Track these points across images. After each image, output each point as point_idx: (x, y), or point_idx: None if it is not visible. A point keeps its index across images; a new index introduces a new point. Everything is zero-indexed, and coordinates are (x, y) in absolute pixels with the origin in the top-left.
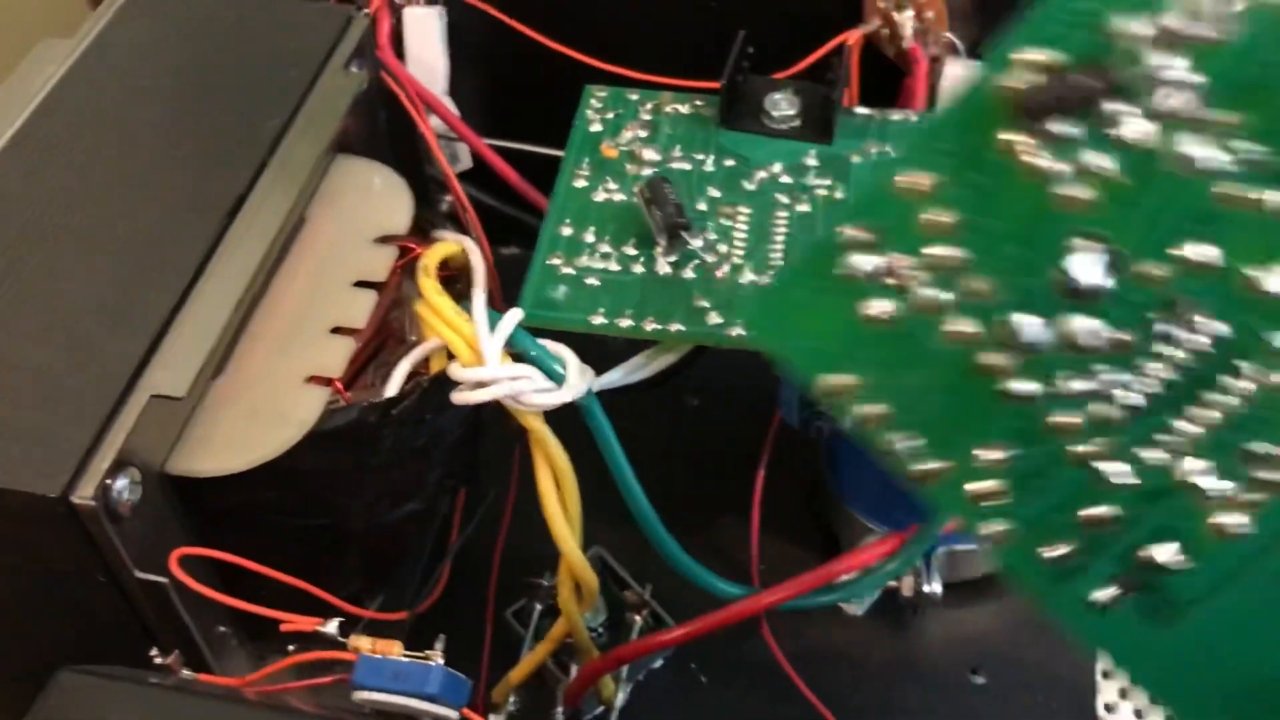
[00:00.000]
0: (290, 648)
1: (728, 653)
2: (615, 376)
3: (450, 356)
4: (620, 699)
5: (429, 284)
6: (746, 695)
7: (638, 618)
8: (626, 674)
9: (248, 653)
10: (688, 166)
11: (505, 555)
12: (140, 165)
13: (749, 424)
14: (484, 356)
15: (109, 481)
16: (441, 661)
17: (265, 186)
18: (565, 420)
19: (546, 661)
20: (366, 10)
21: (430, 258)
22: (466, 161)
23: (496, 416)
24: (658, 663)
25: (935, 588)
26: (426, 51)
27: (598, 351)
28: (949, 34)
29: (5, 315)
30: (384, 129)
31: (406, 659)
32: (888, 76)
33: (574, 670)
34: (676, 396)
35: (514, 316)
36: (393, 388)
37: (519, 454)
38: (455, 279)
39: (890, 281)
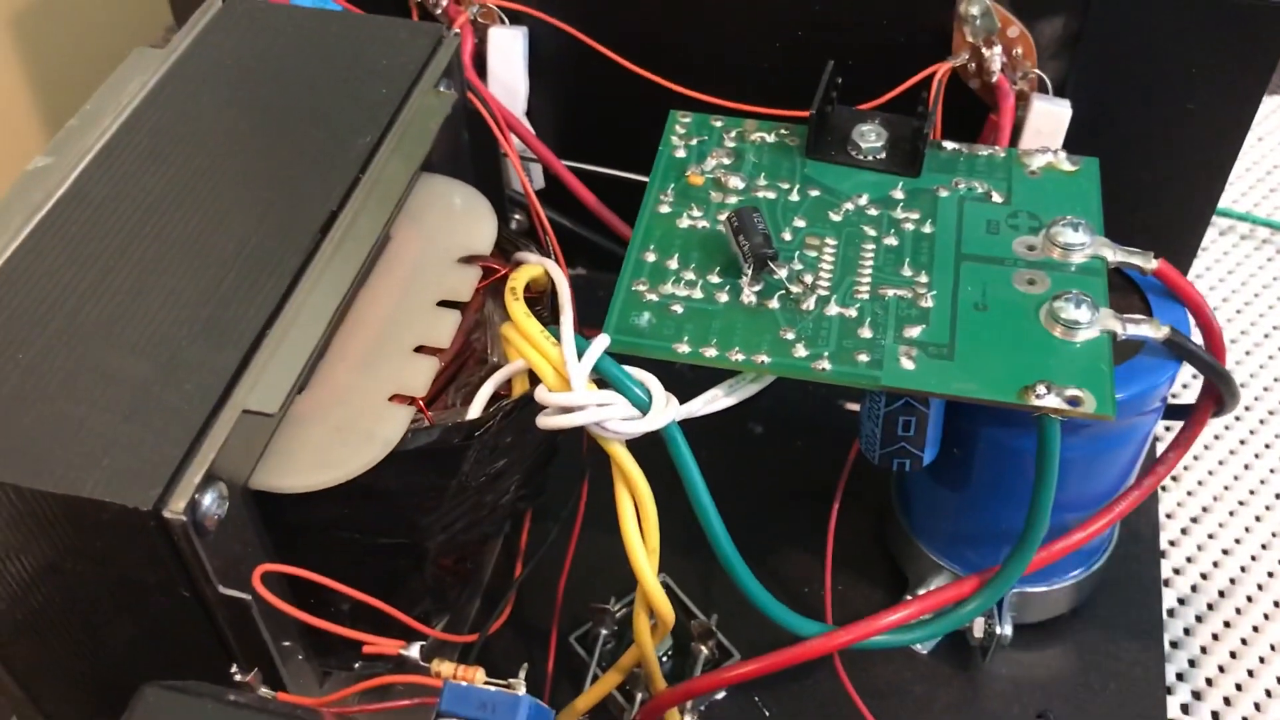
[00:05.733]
0: (357, 665)
1: (792, 686)
2: (697, 405)
3: (534, 380)
4: None
5: (518, 307)
6: None
7: (704, 648)
8: (690, 705)
9: (313, 668)
10: (772, 196)
11: (570, 578)
12: (232, 178)
13: (814, 454)
14: (571, 382)
15: (198, 496)
16: (525, 690)
17: (357, 204)
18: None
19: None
20: (455, 29)
21: (517, 280)
22: (539, 181)
23: (571, 439)
24: (721, 694)
25: (1006, 630)
26: (508, 71)
27: (665, 375)
28: (1037, 70)
29: (99, 326)
30: (466, 148)
31: (492, 687)
32: (971, 110)
33: (639, 699)
34: (740, 423)
35: (601, 343)
36: (476, 409)
37: (590, 477)
38: (536, 301)
39: None
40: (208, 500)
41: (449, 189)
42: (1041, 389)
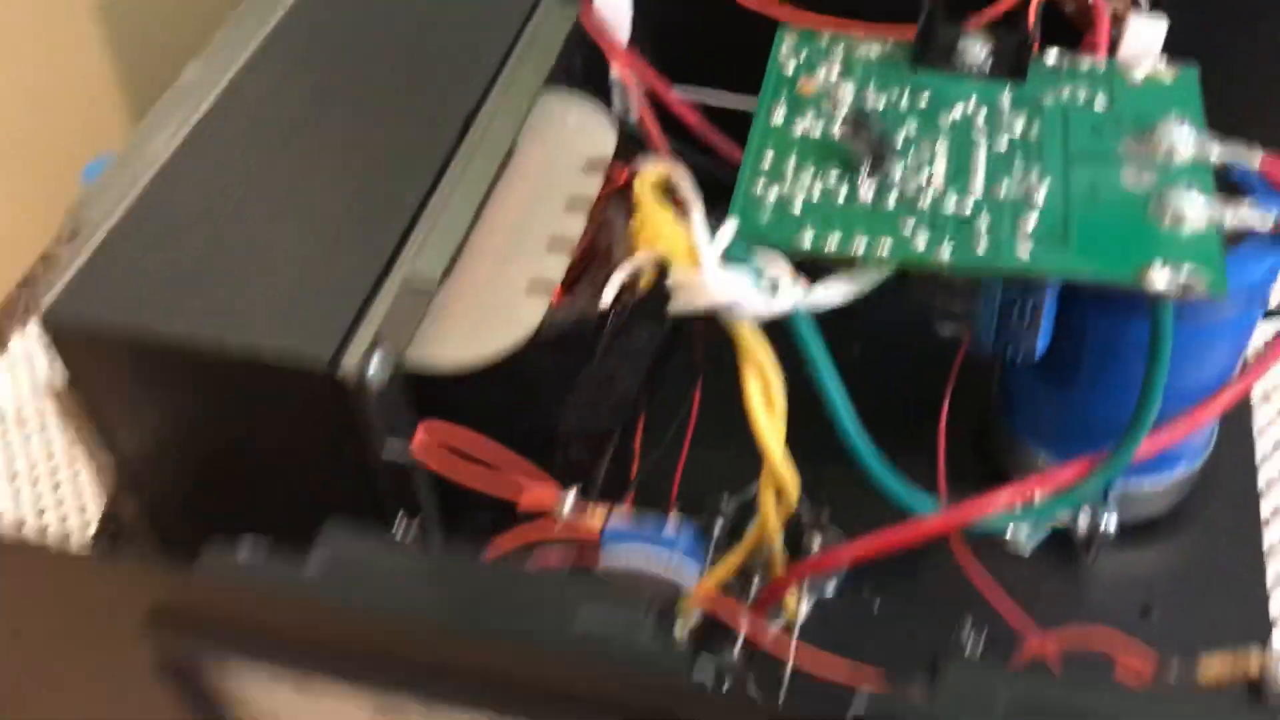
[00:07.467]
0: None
1: (900, 581)
2: (822, 292)
3: (661, 273)
4: (801, 616)
5: (649, 195)
6: (921, 624)
7: (816, 540)
8: (806, 592)
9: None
10: (882, 105)
11: (682, 483)
12: (374, 82)
13: (913, 378)
14: (703, 264)
15: (366, 359)
16: None
17: (492, 107)
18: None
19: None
20: None
21: (647, 175)
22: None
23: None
24: (830, 589)
25: (1110, 525)
26: None
27: None
28: None
29: (265, 211)
30: (579, 69)
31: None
32: (1065, 34)
33: (755, 584)
34: (842, 342)
35: (731, 225)
36: (608, 297)
37: (701, 384)
38: None
39: None
40: (375, 363)
41: (568, 100)
42: (1157, 266)
